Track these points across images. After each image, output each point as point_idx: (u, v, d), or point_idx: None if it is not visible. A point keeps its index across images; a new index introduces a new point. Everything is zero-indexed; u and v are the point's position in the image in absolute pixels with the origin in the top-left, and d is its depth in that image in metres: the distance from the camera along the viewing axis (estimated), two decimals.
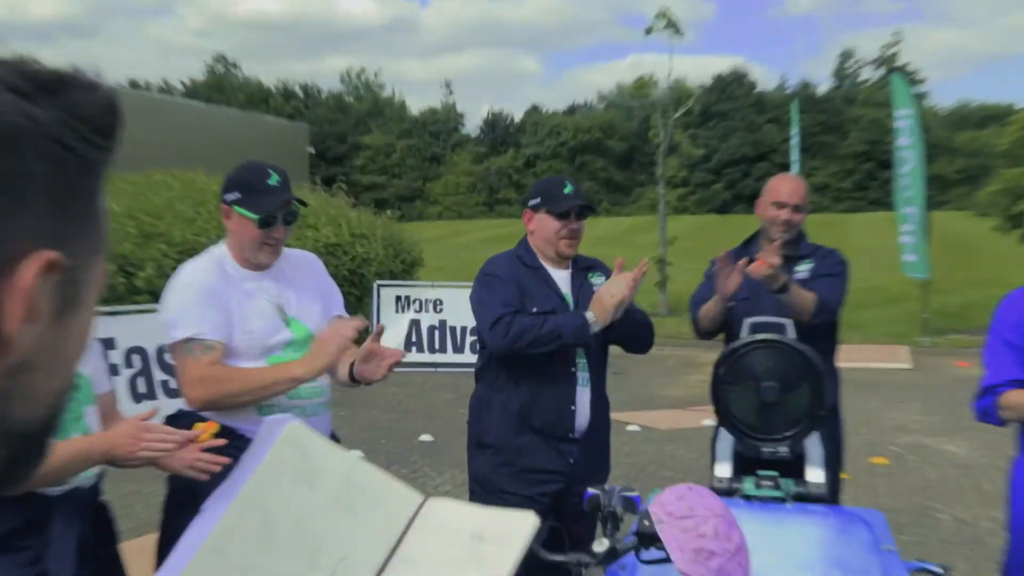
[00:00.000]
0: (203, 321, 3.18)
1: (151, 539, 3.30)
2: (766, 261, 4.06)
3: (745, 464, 3.96)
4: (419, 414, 10.73)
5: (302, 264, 3.54)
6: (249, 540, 1.48)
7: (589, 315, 3.77)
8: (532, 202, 3.98)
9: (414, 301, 13.70)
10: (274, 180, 3.28)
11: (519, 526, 1.54)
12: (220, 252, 3.37)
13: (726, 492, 3.77)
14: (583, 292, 3.98)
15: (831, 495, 4.16)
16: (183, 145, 27.55)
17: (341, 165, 70.61)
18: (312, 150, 46.05)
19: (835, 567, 3.26)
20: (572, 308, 3.92)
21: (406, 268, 16.21)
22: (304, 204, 3.46)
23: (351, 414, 10.49)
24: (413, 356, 13.35)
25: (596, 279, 4.05)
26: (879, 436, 9.72)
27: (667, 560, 2.53)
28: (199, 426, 2.80)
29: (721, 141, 70.55)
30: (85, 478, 2.72)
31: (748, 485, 3.74)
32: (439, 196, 71.85)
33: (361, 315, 3.35)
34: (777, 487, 3.69)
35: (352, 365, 3.30)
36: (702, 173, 68.43)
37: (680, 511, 2.56)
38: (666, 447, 9.20)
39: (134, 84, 75.15)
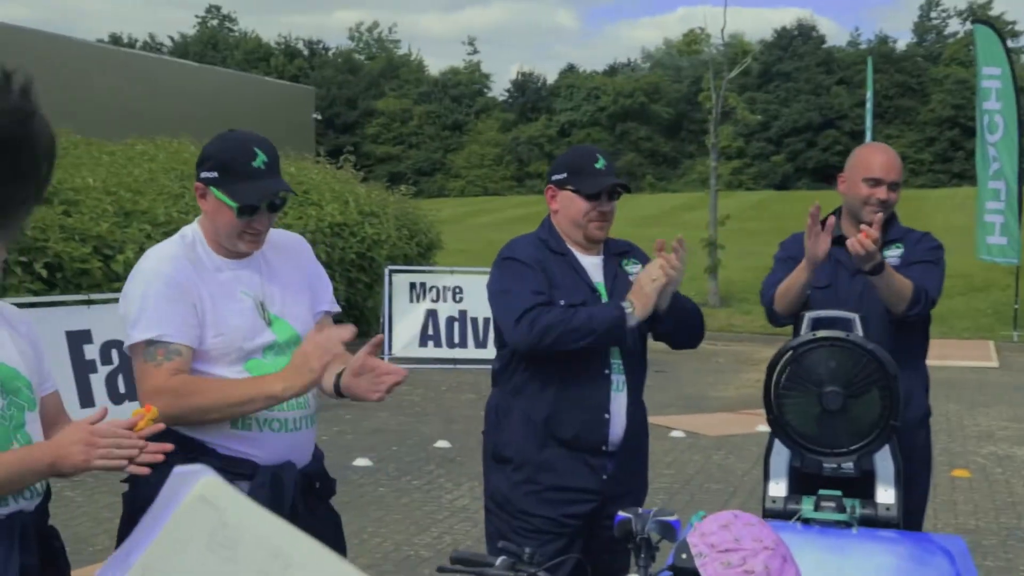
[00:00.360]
0: (168, 320, 3.07)
1: None
2: (869, 234, 3.92)
3: (804, 482, 3.88)
4: (435, 417, 10.70)
5: (286, 249, 3.42)
6: None
7: (627, 305, 3.68)
8: (557, 177, 3.89)
9: (430, 289, 13.67)
10: (259, 161, 3.17)
11: None
12: (192, 234, 3.25)
13: (781, 514, 3.70)
14: (617, 282, 3.89)
15: (914, 519, 4.07)
16: (170, 110, 27.63)
17: (351, 133, 70.67)
18: (318, 116, 46.10)
19: None
20: (605, 299, 3.82)
21: (422, 251, 16.20)
22: (294, 193, 3.38)
23: (358, 416, 10.48)
24: (429, 351, 13.33)
25: (631, 267, 3.96)
26: (960, 445, 9.61)
27: None
28: (136, 411, 2.69)
29: (782, 106, 70.03)
30: (28, 499, 2.66)
31: (807, 507, 3.66)
32: (462, 169, 71.82)
33: (353, 325, 3.22)
34: (841, 509, 3.61)
35: (339, 375, 3.22)
36: (760, 143, 67.91)
37: (724, 543, 2.48)
38: (714, 456, 9.13)
39: (115, 39, 75.56)
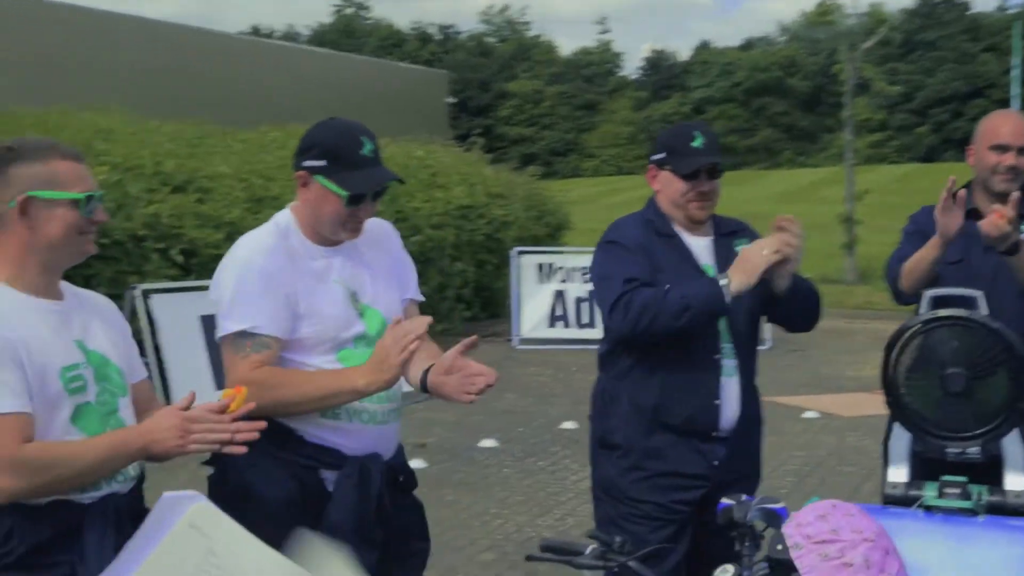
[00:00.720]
0: (259, 312, 3.05)
1: None
2: (1003, 214, 3.73)
3: (926, 467, 3.72)
4: (563, 398, 10.65)
5: (376, 236, 3.38)
6: None
7: (722, 278, 3.55)
8: (656, 156, 3.78)
9: (558, 269, 13.61)
10: (367, 150, 3.15)
11: None
12: (286, 221, 3.22)
13: (902, 501, 3.55)
14: (729, 263, 3.75)
15: None
16: (308, 98, 27.99)
17: (484, 116, 71.07)
18: (452, 100, 46.39)
19: None
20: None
21: (551, 232, 16.16)
22: (401, 181, 3.35)
23: (487, 398, 10.43)
24: (558, 332, 13.28)
25: (743, 247, 3.82)
26: None
27: None
28: (227, 393, 2.71)
29: (926, 76, 68.09)
30: (122, 482, 2.70)
31: (929, 493, 3.50)
32: (595, 149, 71.60)
33: (430, 316, 3.17)
34: (966, 496, 3.44)
35: (427, 372, 3.17)
36: (903, 115, 66.26)
37: (822, 534, 2.38)
38: (848, 437, 8.90)
39: (256, 31, 77.21)
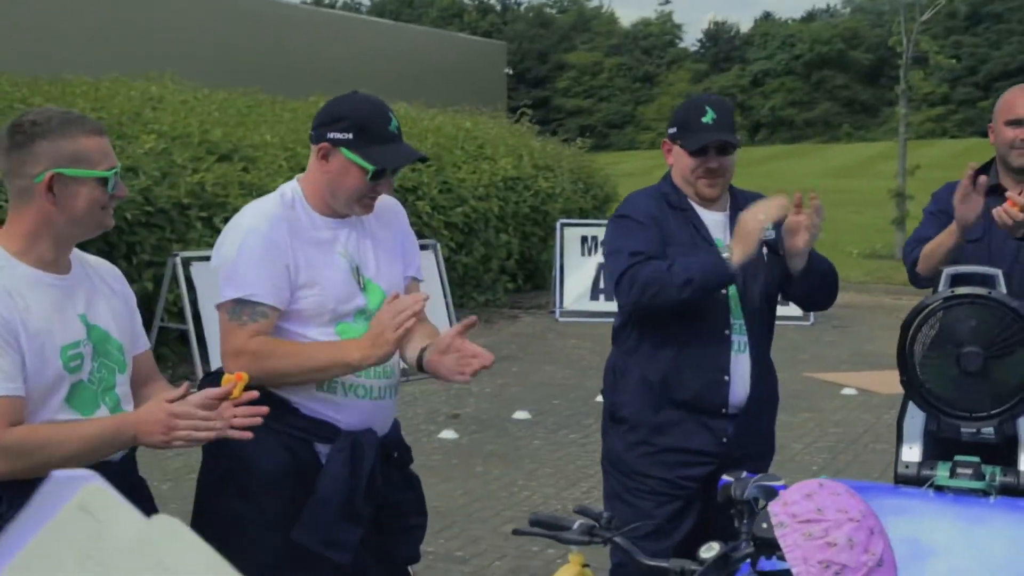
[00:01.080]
0: (258, 281, 3.04)
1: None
2: (1016, 202, 3.64)
3: (939, 447, 3.65)
4: (599, 371, 10.48)
5: (384, 213, 3.34)
6: None
7: (725, 251, 3.49)
8: (670, 131, 3.74)
9: (602, 243, 13.52)
10: (393, 126, 3.15)
11: None
12: (292, 192, 3.20)
13: (914, 480, 3.50)
14: None
15: None
16: (364, 67, 28.03)
17: (542, 87, 70.76)
18: (510, 71, 46.23)
19: None
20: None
21: (598, 205, 16.06)
22: (425, 160, 3.36)
23: (524, 370, 10.51)
24: (599, 305, 13.20)
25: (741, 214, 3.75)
26: None
27: (789, 573, 2.32)
28: (227, 379, 2.73)
29: (992, 48, 66.85)
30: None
31: (942, 473, 3.44)
32: (652, 121, 70.90)
33: (426, 293, 3.18)
34: (979, 476, 3.38)
35: (423, 351, 3.16)
36: (967, 88, 65.11)
37: (806, 513, 2.33)
38: (885, 415, 8.76)
39: (317, 2, 77.35)
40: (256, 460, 3.06)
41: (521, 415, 8.75)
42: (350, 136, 3.08)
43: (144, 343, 2.95)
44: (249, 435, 2.68)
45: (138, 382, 2.87)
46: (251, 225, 3.11)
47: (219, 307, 3.11)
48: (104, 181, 2.63)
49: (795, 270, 3.60)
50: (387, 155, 3.10)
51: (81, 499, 1.29)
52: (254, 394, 2.71)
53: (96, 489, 1.29)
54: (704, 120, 3.62)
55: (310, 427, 3.11)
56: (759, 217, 3.45)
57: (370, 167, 3.07)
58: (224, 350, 3.08)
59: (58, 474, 1.37)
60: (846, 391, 9.66)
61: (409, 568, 3.43)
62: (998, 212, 3.68)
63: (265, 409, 2.71)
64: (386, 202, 3.38)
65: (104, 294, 2.79)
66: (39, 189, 2.58)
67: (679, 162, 3.70)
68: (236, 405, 2.69)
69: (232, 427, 2.67)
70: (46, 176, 2.57)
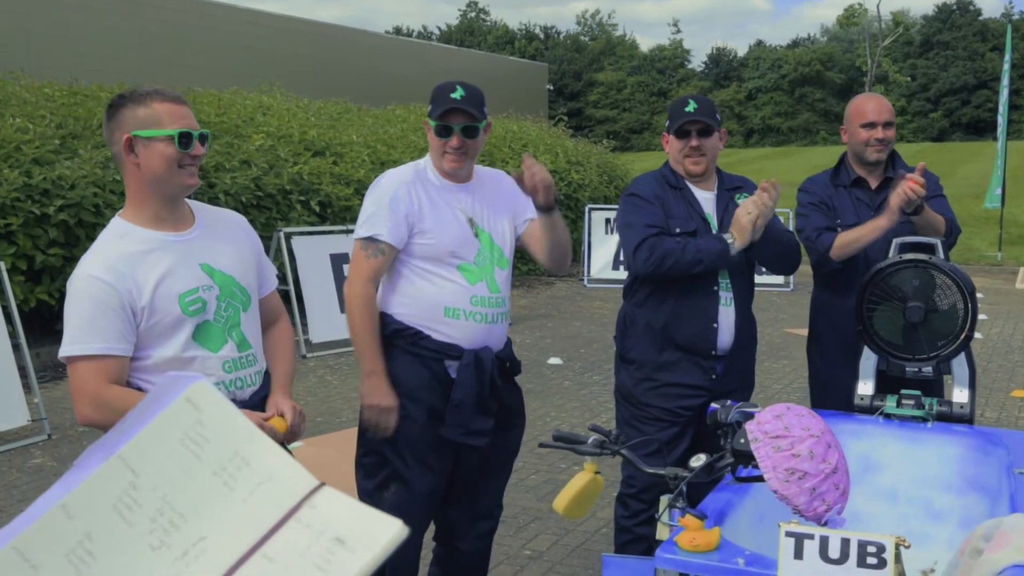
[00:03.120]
0: (380, 224, 3.14)
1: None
2: (917, 181, 3.57)
3: (888, 383, 3.59)
4: None
5: (495, 180, 3.41)
6: (106, 504, 1.23)
7: (728, 237, 3.45)
8: (667, 124, 3.68)
9: (616, 218, 13.43)
10: (458, 94, 3.16)
11: (382, 534, 1.19)
12: (425, 161, 3.30)
13: (867, 410, 3.44)
14: (728, 213, 3.63)
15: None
16: (434, 83, 27.88)
17: (576, 100, 70.35)
18: (551, 87, 45.92)
19: (968, 486, 2.95)
20: (715, 230, 3.58)
21: (619, 193, 15.91)
22: (482, 117, 3.22)
23: (557, 325, 10.46)
24: (620, 274, 13.10)
25: (742, 200, 3.69)
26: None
27: (761, 479, 2.28)
28: (278, 423, 2.58)
29: (941, 70, 65.62)
30: (241, 388, 2.61)
31: (890, 403, 3.39)
32: (664, 128, 70.39)
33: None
34: (919, 406, 3.33)
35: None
36: (920, 102, 64.35)
37: (775, 430, 2.30)
38: None
39: (397, 30, 77.28)
40: (404, 378, 3.19)
41: (554, 361, 8.71)
42: (431, 107, 3.21)
43: (271, 285, 2.82)
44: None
45: (267, 321, 2.79)
46: (385, 184, 3.23)
47: (354, 242, 3.24)
48: (172, 139, 2.43)
49: (754, 239, 3.50)
50: (443, 111, 3.15)
51: (189, 393, 1.29)
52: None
53: (202, 386, 1.30)
54: (687, 109, 3.58)
55: (441, 348, 3.19)
56: (749, 211, 3.43)
57: (432, 123, 3.17)
58: (350, 274, 3.21)
59: (170, 375, 1.37)
60: None
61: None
62: (904, 190, 3.58)
63: None
64: (496, 173, 3.46)
65: (229, 241, 2.64)
66: (122, 152, 2.45)
67: (672, 147, 3.65)
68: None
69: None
70: (124, 139, 2.43)
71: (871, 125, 3.90)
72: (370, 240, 3.15)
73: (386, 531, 1.19)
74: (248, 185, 9.34)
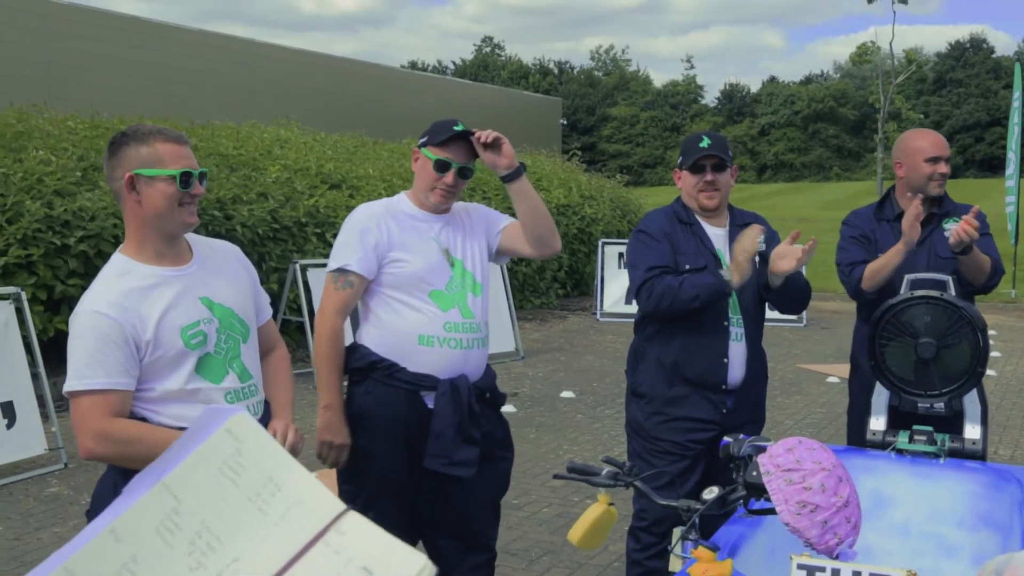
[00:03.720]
0: (350, 255, 3.17)
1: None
2: (971, 223, 3.63)
3: (900, 418, 3.62)
4: None
5: (467, 210, 3.43)
6: (150, 528, 1.29)
7: (725, 274, 3.48)
8: (679, 161, 3.73)
9: (625, 255, 13.47)
10: (459, 127, 3.21)
11: (409, 569, 1.24)
12: (399, 196, 3.34)
13: (880, 445, 3.46)
14: None
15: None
16: (448, 117, 28.11)
17: (590, 135, 70.68)
18: (564, 122, 46.14)
19: (980, 522, 2.96)
20: (726, 266, 3.60)
21: (631, 228, 16.00)
22: (476, 155, 3.27)
23: (569, 358, 10.48)
24: (632, 308, 13.12)
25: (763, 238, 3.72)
26: None
27: (773, 511, 2.31)
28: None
29: (954, 107, 65.73)
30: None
31: (902, 439, 3.41)
32: (676, 164, 70.58)
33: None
34: (932, 442, 3.34)
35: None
36: None
37: (787, 464, 2.32)
38: None
39: (413, 65, 77.91)
40: (379, 411, 3.19)
41: (567, 394, 8.72)
42: (427, 138, 3.23)
43: (266, 313, 2.87)
44: None
45: (264, 348, 2.83)
46: (353, 219, 3.26)
47: (327, 275, 3.27)
48: (174, 178, 2.48)
49: (772, 284, 3.56)
50: (447, 145, 3.18)
51: (230, 424, 1.35)
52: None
53: (242, 418, 1.36)
54: (701, 145, 3.62)
55: (416, 379, 3.18)
56: (746, 249, 3.45)
57: (432, 157, 3.17)
58: (321, 305, 3.24)
59: (211, 408, 1.44)
60: (830, 379, 9.52)
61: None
62: (958, 229, 3.63)
63: None
64: (474, 206, 3.47)
65: (226, 274, 2.68)
66: (123, 189, 2.49)
67: (685, 183, 3.68)
68: None
69: None
70: (126, 177, 2.48)
71: (935, 160, 3.94)
72: (340, 272, 3.19)
73: (412, 565, 1.24)
74: (265, 217, 9.43)
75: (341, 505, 1.35)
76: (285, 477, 1.37)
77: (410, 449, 3.19)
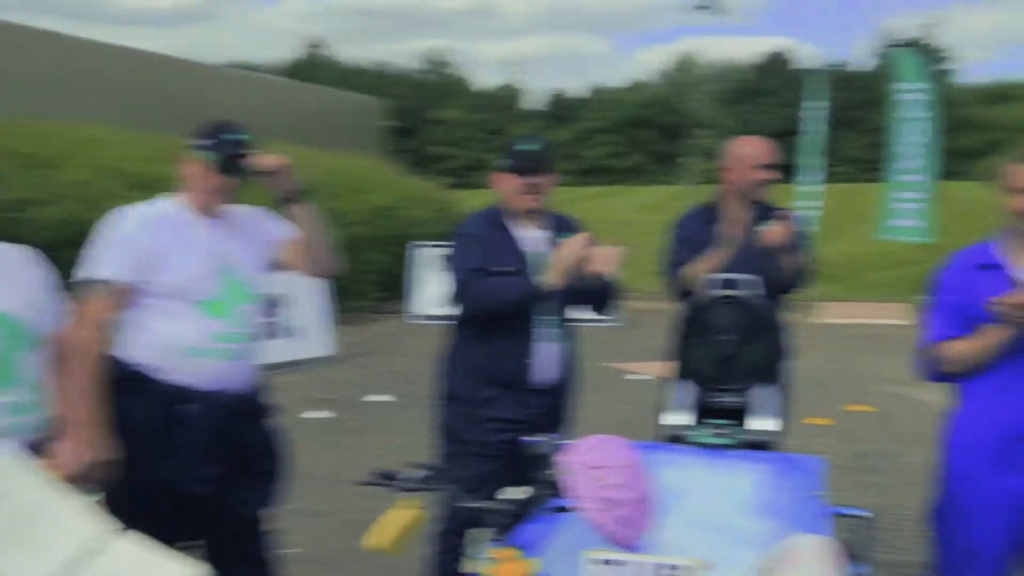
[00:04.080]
0: (110, 264, 3.01)
1: None
2: (783, 227, 3.89)
3: (700, 412, 3.74)
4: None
5: (245, 216, 3.32)
6: None
7: (542, 276, 3.55)
8: (499, 162, 3.76)
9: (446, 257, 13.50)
10: (241, 137, 3.13)
11: None
12: (169, 200, 3.17)
13: (678, 439, 3.57)
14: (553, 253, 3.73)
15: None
16: (262, 115, 27.54)
17: (414, 138, 70.66)
18: (392, 123, 45.80)
19: (764, 511, 3.08)
20: (542, 267, 3.65)
21: (453, 229, 16.07)
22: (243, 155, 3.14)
23: (385, 360, 10.45)
24: (445, 310, 13.21)
25: (562, 239, 3.79)
26: (863, 386, 9.48)
27: (575, 508, 2.34)
28: None
29: (761, 114, 69.38)
30: None
31: (698, 433, 3.53)
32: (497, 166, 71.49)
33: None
34: (727, 435, 3.47)
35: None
36: None
37: (592, 460, 2.37)
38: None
39: (239, 64, 75.78)
40: (127, 420, 3.03)
41: (380, 398, 8.65)
42: (206, 141, 3.11)
43: (61, 320, 2.84)
44: None
45: (60, 358, 2.80)
46: (116, 220, 3.09)
47: (79, 284, 3.05)
48: None
49: (567, 281, 3.62)
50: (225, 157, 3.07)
51: None
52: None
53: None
54: (524, 148, 3.72)
55: (173, 391, 3.06)
56: (565, 257, 3.53)
57: (215, 156, 3.06)
58: (77, 319, 3.03)
59: None
60: (629, 376, 9.80)
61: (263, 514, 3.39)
62: (771, 233, 3.90)
63: None
64: (244, 210, 3.34)
65: (8, 278, 2.68)
66: None
67: (507, 185, 3.71)
68: None
69: None
70: None
71: (764, 167, 4.12)
72: (98, 280, 3.02)
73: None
74: (66, 219, 8.93)
75: (111, 528, 1.28)
76: (35, 504, 1.29)
77: (157, 461, 3.07)
